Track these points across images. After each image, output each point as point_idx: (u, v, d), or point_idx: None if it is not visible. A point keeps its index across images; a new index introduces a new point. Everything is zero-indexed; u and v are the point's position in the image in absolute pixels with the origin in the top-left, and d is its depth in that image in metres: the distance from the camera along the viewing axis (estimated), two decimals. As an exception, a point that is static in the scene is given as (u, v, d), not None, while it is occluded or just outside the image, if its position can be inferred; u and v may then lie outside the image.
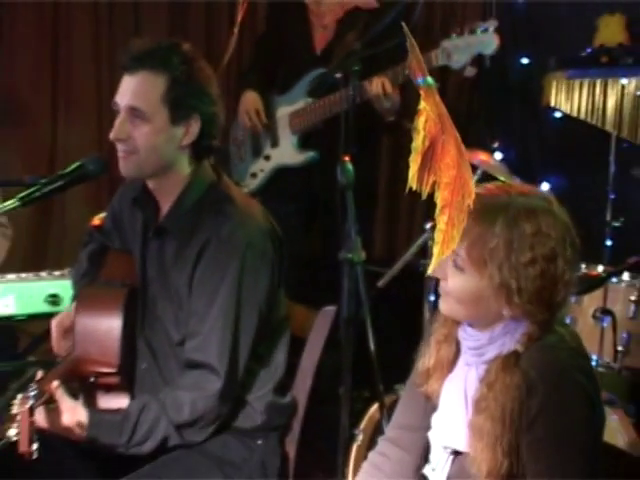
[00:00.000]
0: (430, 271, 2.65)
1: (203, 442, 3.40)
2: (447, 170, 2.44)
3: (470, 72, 4.54)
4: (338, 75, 4.40)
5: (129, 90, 3.34)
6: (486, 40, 4.46)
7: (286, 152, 5.57)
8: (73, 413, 3.17)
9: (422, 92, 2.47)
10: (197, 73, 3.38)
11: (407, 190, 2.45)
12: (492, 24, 4.50)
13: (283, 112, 5.56)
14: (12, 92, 6.02)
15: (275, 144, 5.61)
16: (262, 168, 5.64)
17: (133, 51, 3.36)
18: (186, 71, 3.34)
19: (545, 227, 2.54)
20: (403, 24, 2.78)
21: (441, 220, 2.41)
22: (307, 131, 5.47)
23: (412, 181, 2.42)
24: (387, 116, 5.22)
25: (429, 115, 2.46)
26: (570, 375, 2.60)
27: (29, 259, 5.28)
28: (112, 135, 3.35)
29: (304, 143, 5.51)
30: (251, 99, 5.59)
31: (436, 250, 2.42)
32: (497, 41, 4.48)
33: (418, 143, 2.45)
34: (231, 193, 3.52)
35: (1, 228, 4.79)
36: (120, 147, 3.36)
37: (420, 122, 2.45)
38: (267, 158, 5.64)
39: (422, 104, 2.46)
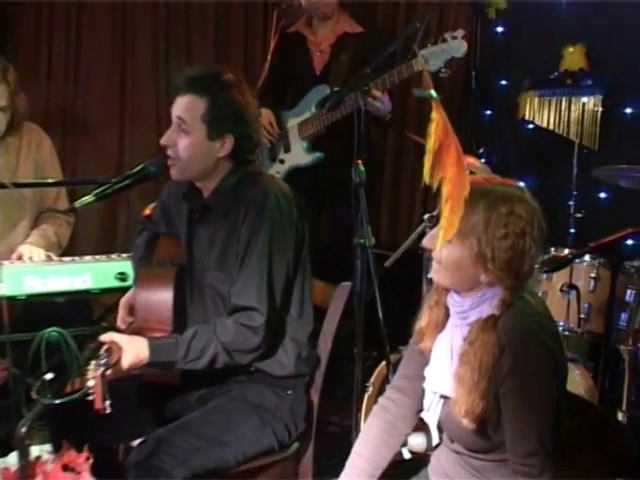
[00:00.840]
0: (424, 243, 2.80)
1: (242, 391, 3.46)
2: (450, 167, 2.56)
3: (444, 73, 4.56)
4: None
5: (179, 107, 3.43)
6: (456, 45, 4.52)
7: (297, 155, 5.63)
8: (134, 343, 3.23)
9: (433, 104, 2.58)
10: (234, 99, 3.44)
11: (423, 184, 2.58)
12: (460, 32, 4.56)
13: (292, 123, 5.63)
14: (87, 107, 6.03)
15: (287, 150, 5.67)
16: (278, 170, 5.69)
17: (183, 76, 3.46)
18: (224, 97, 3.41)
19: (518, 210, 2.60)
20: (418, 51, 2.85)
21: (446, 209, 2.55)
22: (314, 136, 5.53)
23: (426, 177, 2.56)
24: (383, 115, 5.29)
25: (438, 122, 2.57)
26: (536, 337, 2.65)
27: (102, 244, 5.30)
28: (162, 141, 3.46)
29: (313, 147, 5.57)
30: (266, 115, 5.62)
31: (441, 233, 2.58)
32: (465, 45, 4.53)
33: (430, 145, 2.56)
34: (262, 171, 3.73)
35: (66, 217, 4.82)
36: (168, 151, 3.45)
37: (432, 128, 2.56)
38: (282, 162, 5.69)
39: (433, 114, 2.57)
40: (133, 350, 3.20)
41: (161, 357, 3.28)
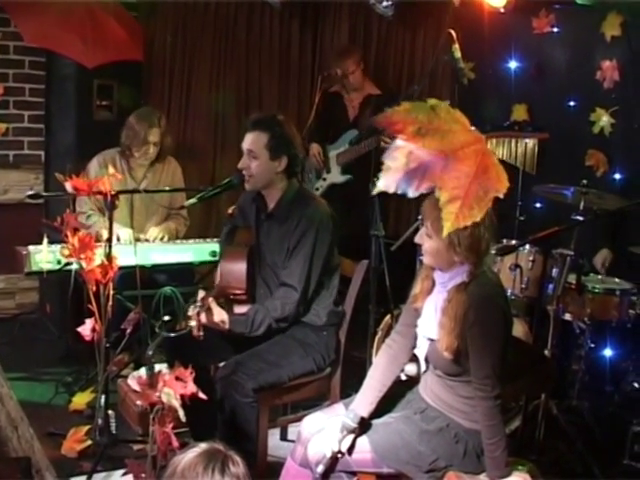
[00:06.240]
0: (416, 240, 2.79)
1: (293, 332, 3.48)
2: (456, 179, 2.17)
3: None
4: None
5: (248, 141, 3.46)
6: None
7: (335, 175, 5.65)
8: (220, 315, 3.29)
9: (405, 136, 2.23)
10: (286, 132, 3.48)
11: (375, 193, 2.24)
12: (446, 103, 4.50)
13: (332, 153, 5.65)
14: (192, 139, 6.04)
15: (328, 171, 5.68)
16: (322, 185, 5.71)
17: (250, 120, 3.51)
18: (279, 131, 3.44)
19: None
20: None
21: (451, 206, 2.15)
22: (346, 163, 5.56)
23: (387, 187, 2.19)
24: None
25: (415, 149, 2.20)
26: (491, 299, 2.69)
27: (201, 232, 5.29)
28: (239, 165, 3.49)
29: (345, 170, 5.60)
30: (315, 147, 5.67)
31: (448, 223, 2.14)
32: None
33: (398, 165, 2.18)
34: (310, 194, 3.68)
35: (183, 220, 4.87)
36: (244, 172, 3.47)
37: (400, 153, 2.19)
38: (324, 179, 5.70)
39: (402, 143, 2.22)
40: (220, 317, 3.30)
41: (236, 328, 3.34)
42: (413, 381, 3.06)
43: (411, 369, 3.10)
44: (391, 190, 2.16)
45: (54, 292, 5.11)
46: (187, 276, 4.52)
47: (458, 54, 4.17)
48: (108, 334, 3.44)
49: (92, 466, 3.48)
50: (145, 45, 5.42)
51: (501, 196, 2.18)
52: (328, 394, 3.66)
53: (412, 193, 2.18)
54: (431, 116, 2.28)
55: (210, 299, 3.28)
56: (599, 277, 4.31)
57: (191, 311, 3.14)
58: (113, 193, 3.47)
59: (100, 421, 3.60)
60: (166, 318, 2.99)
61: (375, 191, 2.05)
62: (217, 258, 4.23)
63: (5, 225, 5.17)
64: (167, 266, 4.41)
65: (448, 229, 2.15)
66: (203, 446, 1.98)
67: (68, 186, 3.36)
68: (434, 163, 2.20)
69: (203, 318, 3.19)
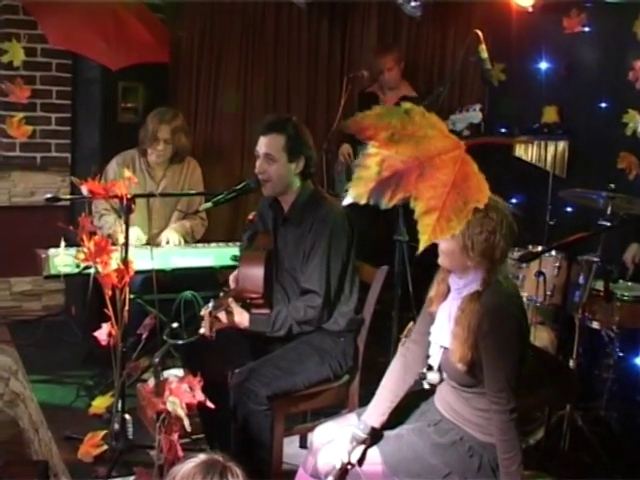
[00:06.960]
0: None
1: (309, 338, 3.43)
2: (432, 189, 2.01)
3: (466, 132, 4.43)
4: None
5: (264, 145, 3.40)
6: (474, 115, 4.38)
7: None
8: (241, 314, 3.29)
9: (378, 143, 2.13)
10: (301, 133, 3.44)
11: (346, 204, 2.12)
12: (477, 106, 4.44)
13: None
14: (220, 141, 6.01)
15: None
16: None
17: (265, 123, 3.46)
18: (295, 132, 3.40)
19: (490, 214, 2.56)
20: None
21: (427, 218, 2.05)
22: None
23: (358, 198, 2.13)
24: None
25: (388, 157, 2.10)
26: (506, 309, 2.62)
27: (222, 235, 5.26)
28: (256, 170, 3.44)
29: (375, 173, 5.54)
30: (345, 147, 5.66)
31: (425, 237, 2.06)
32: (481, 115, 4.41)
33: (370, 174, 2.10)
34: (324, 195, 3.59)
35: (202, 220, 4.82)
36: (261, 177, 3.42)
37: (372, 161, 2.11)
38: None
39: (374, 150, 2.12)
40: (240, 316, 3.29)
41: (256, 327, 3.33)
42: (430, 390, 2.99)
43: (434, 377, 3.02)
44: (362, 201, 2.04)
45: (79, 294, 5.10)
46: (209, 280, 4.48)
47: (485, 55, 4.09)
48: (125, 339, 3.42)
49: (107, 471, 3.46)
50: (171, 47, 5.41)
51: (481, 207, 2.06)
52: (347, 402, 3.60)
53: (385, 204, 2.05)
54: (405, 121, 2.07)
55: (230, 299, 3.27)
56: (628, 284, 4.22)
57: (203, 311, 3.13)
58: (129, 197, 3.45)
59: (116, 426, 3.59)
60: (174, 325, 2.96)
61: (345, 202, 1.92)
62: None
63: (32, 227, 5.19)
64: (188, 270, 4.38)
65: (425, 243, 2.00)
66: (202, 457, 1.96)
67: (84, 189, 3.35)
68: (409, 171, 1.99)
69: (223, 317, 3.21)
